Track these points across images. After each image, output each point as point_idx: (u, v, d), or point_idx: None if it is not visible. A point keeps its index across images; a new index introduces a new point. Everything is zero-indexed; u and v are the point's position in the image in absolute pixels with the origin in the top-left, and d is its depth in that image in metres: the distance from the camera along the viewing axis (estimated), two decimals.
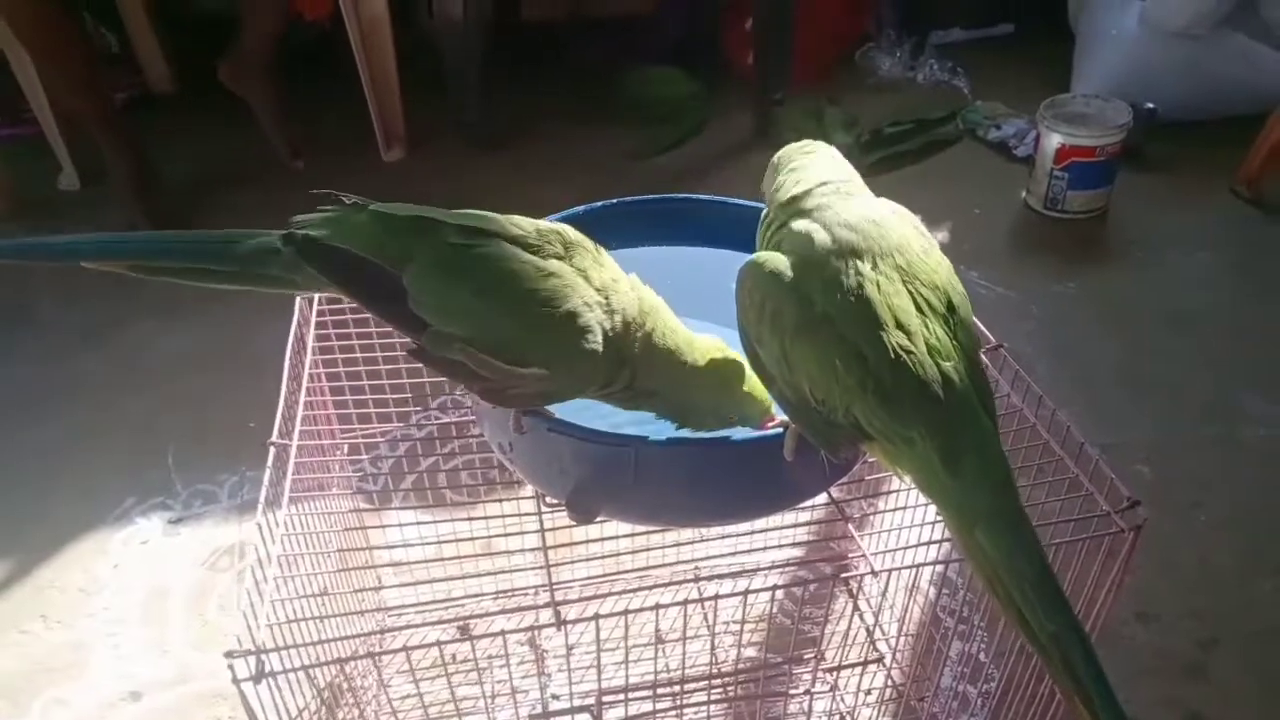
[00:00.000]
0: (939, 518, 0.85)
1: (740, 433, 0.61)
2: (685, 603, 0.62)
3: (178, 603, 1.09)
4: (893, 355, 0.54)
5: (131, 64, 2.11)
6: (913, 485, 0.58)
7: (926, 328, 0.55)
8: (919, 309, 0.56)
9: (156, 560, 1.14)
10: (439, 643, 0.56)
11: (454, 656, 0.96)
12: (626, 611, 0.57)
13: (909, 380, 0.54)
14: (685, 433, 0.60)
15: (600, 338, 0.57)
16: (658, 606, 0.62)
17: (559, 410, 0.61)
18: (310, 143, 1.87)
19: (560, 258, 0.59)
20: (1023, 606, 0.55)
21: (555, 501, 0.66)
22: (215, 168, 1.89)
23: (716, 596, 0.65)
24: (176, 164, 1.85)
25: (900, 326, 0.55)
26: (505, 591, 1.03)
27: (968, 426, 0.55)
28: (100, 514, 1.19)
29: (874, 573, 0.60)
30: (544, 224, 0.61)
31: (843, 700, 0.94)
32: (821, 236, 0.57)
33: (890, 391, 0.54)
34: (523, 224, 0.61)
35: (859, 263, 0.56)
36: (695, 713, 0.85)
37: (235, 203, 1.78)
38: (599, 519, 0.62)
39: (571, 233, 0.61)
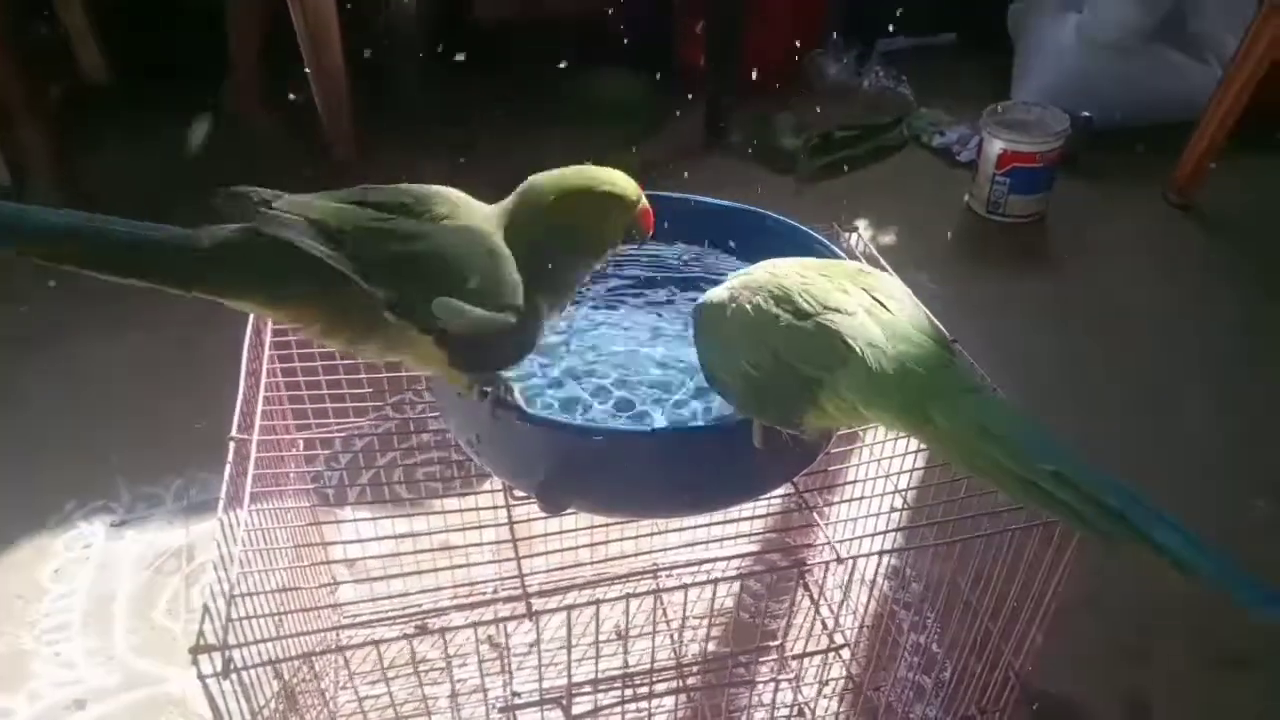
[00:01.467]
0: (894, 508, 0.87)
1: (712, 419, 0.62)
2: (657, 592, 0.62)
3: (122, 608, 1.06)
4: (799, 288, 0.57)
5: (62, 51, 2.03)
6: (867, 427, 0.58)
7: (831, 281, 0.59)
8: (824, 275, 0.60)
9: (100, 565, 1.10)
10: (406, 635, 0.56)
11: (412, 656, 0.95)
12: (598, 601, 0.58)
13: (820, 303, 0.56)
14: (660, 422, 0.61)
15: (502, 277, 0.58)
16: (628, 596, 0.62)
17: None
18: (252, 142, 1.84)
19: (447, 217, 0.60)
20: (1010, 462, 0.50)
21: (523, 494, 0.66)
22: (153, 168, 1.84)
23: (686, 586, 0.65)
24: (111, 163, 1.79)
25: (803, 277, 0.59)
26: (463, 585, 1.02)
27: (899, 337, 0.55)
28: (39, 519, 1.15)
29: (839, 560, 0.61)
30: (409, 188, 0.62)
31: (801, 691, 0.95)
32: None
33: (809, 313, 0.56)
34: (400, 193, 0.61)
35: (767, 265, 0.62)
36: (659, 704, 0.86)
37: (173, 206, 1.73)
38: (568, 511, 0.62)
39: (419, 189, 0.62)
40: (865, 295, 0.58)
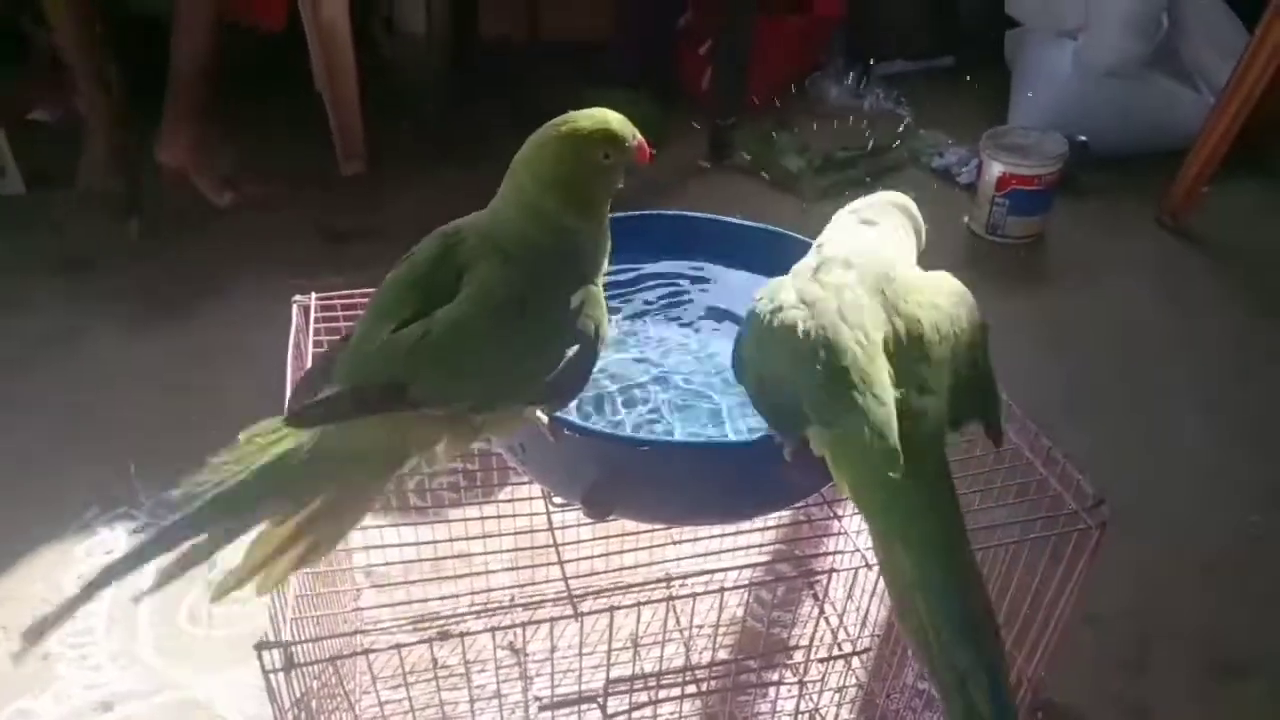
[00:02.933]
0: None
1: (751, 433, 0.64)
2: (694, 595, 0.65)
3: (146, 613, 1.08)
4: (851, 346, 0.58)
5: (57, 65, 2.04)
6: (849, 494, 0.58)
7: (890, 350, 0.59)
8: (898, 335, 0.60)
9: None
10: (441, 635, 0.58)
11: (434, 662, 0.97)
12: (639, 604, 0.60)
13: (860, 374, 0.57)
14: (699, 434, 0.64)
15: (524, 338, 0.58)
16: (669, 599, 0.65)
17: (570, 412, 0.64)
18: (266, 157, 1.86)
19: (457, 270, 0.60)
20: (933, 640, 0.54)
21: (563, 501, 0.68)
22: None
23: (722, 590, 0.68)
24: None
25: (859, 328, 0.59)
26: (480, 592, 1.04)
27: (919, 440, 0.56)
28: (62, 525, 1.16)
29: (868, 566, 0.64)
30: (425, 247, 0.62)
31: (814, 698, 0.98)
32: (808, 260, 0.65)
33: (834, 371, 0.57)
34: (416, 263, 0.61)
35: (837, 273, 0.62)
36: (676, 709, 0.88)
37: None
38: (611, 517, 0.65)
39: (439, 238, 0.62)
40: (922, 396, 0.58)
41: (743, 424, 0.67)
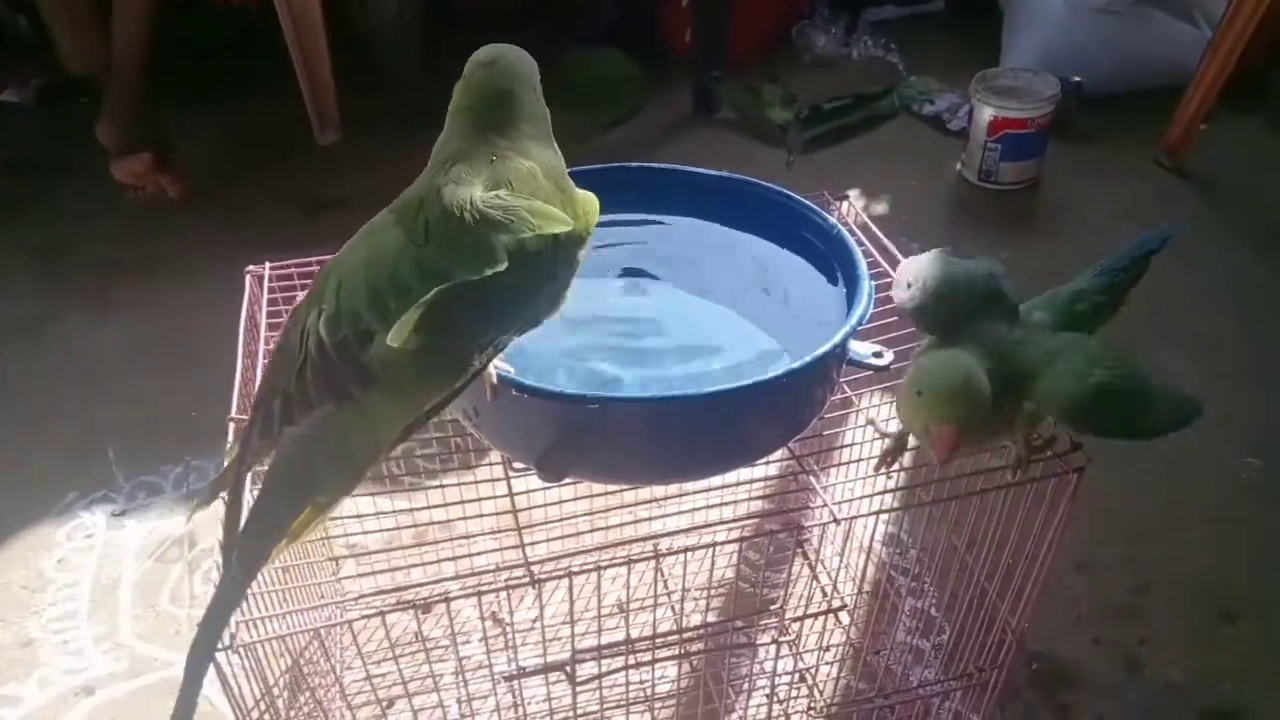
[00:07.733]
0: (889, 472, 0.88)
1: (704, 386, 0.62)
2: (657, 556, 0.63)
3: (127, 595, 1.07)
4: None
5: (45, 48, 2.02)
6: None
7: None
8: None
9: (103, 554, 1.11)
10: (410, 604, 0.56)
11: (416, 635, 0.96)
12: (599, 567, 0.58)
13: None
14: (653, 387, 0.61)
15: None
16: (629, 560, 0.63)
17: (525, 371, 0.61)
18: (240, 129, 1.83)
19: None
20: None
21: (523, 466, 0.66)
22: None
23: (686, 550, 0.66)
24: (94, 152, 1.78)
25: None
26: (463, 557, 1.03)
27: None
28: (41, 510, 1.16)
29: (836, 521, 0.62)
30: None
31: (802, 658, 0.96)
32: None
33: None
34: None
35: None
36: (661, 674, 0.87)
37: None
38: (567, 481, 0.63)
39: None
40: None
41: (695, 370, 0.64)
